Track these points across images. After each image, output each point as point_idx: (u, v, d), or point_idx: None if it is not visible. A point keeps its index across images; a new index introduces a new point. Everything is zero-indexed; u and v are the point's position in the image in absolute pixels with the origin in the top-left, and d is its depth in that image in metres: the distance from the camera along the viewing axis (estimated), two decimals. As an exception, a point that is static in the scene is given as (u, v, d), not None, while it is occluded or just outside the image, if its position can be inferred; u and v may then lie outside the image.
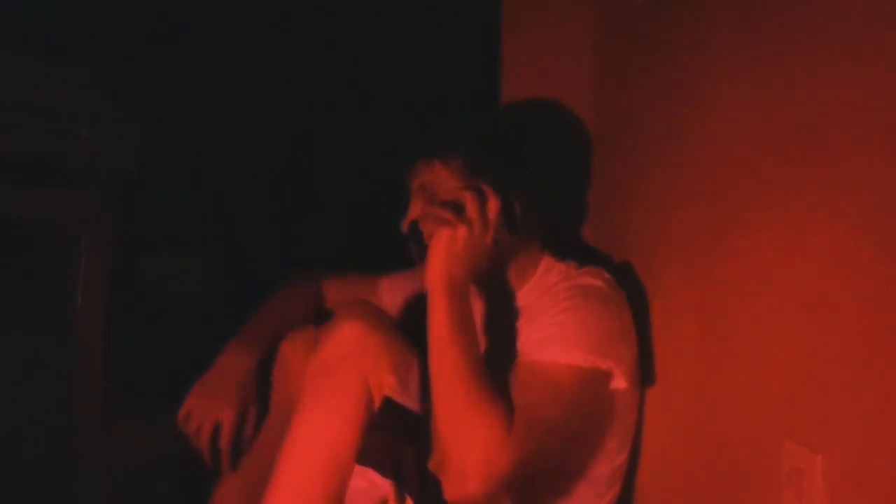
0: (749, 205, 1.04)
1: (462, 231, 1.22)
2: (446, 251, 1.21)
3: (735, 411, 1.08)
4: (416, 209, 1.32)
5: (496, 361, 1.21)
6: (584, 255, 1.43)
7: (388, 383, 1.26)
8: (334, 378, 1.25)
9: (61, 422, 1.72)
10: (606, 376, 1.22)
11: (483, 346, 1.28)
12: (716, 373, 1.15)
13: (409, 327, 1.31)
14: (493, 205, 1.24)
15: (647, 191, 1.41)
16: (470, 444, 1.09)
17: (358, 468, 1.24)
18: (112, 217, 1.72)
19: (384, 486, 1.22)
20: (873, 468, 0.81)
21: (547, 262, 1.37)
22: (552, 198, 1.50)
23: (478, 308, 1.36)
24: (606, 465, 1.31)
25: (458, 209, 1.24)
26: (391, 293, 1.56)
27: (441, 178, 1.30)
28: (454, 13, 2.06)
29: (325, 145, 2.28)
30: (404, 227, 1.33)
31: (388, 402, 1.26)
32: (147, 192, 1.86)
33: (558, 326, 1.21)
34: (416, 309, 1.27)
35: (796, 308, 0.94)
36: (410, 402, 1.25)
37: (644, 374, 1.33)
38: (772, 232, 0.99)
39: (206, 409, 1.37)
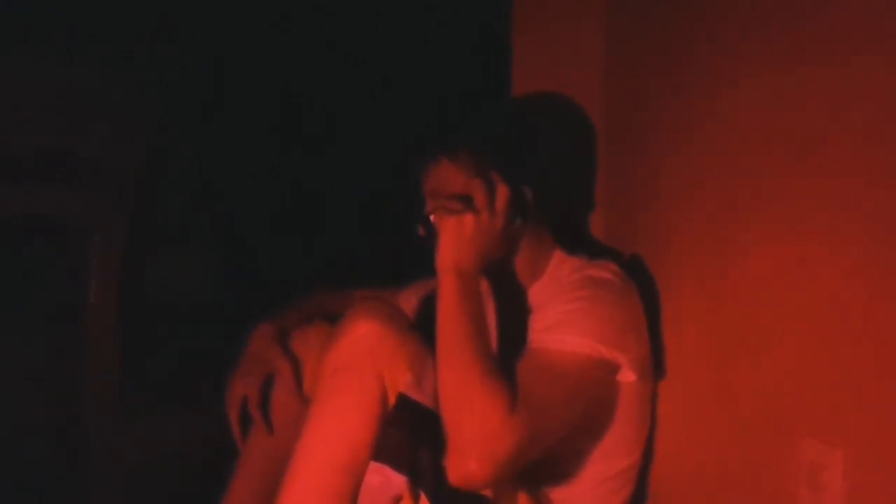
0: (764, 205, 1.05)
1: (469, 218, 1.22)
2: (454, 238, 1.22)
3: (752, 408, 1.09)
4: (428, 207, 1.34)
5: (509, 355, 1.20)
6: (595, 250, 1.43)
7: (403, 380, 1.25)
8: (350, 375, 1.25)
9: (73, 418, 1.73)
10: (613, 367, 1.23)
11: (498, 342, 1.28)
12: (731, 370, 1.15)
13: (424, 326, 1.31)
14: (502, 192, 1.25)
15: (659, 191, 1.41)
16: (471, 422, 1.08)
17: (373, 465, 1.24)
18: (124, 215, 1.73)
19: (399, 482, 1.22)
20: (894, 463, 0.82)
21: (559, 256, 1.38)
22: (563, 193, 1.51)
23: (493, 305, 1.37)
24: (619, 463, 1.31)
25: (466, 200, 1.26)
26: (408, 296, 1.57)
27: (450, 175, 1.31)
28: (466, 13, 2.07)
29: (328, 145, 2.29)
30: (420, 227, 1.33)
31: (404, 399, 1.25)
32: (155, 191, 1.88)
33: (565, 315, 1.21)
34: (431, 308, 1.27)
35: (813, 305, 0.94)
36: (426, 398, 1.24)
37: (656, 369, 1.33)
38: (787, 230, 0.99)
39: (233, 386, 1.43)
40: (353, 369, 1.25)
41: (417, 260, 1.33)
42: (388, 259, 1.56)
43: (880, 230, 0.82)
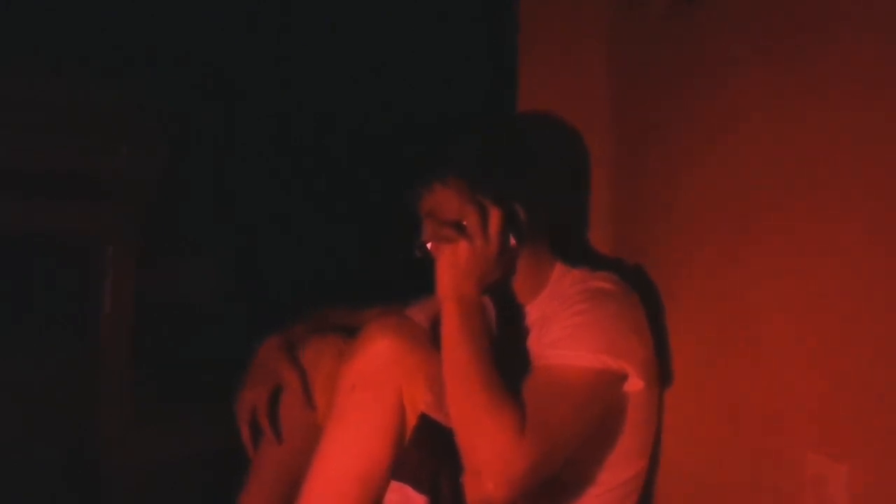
0: (773, 221, 1.07)
1: (463, 246, 1.25)
2: (450, 267, 1.25)
3: (757, 420, 1.10)
4: (426, 234, 1.35)
5: (516, 371, 1.22)
6: (598, 263, 1.45)
7: (423, 399, 1.27)
8: (369, 392, 1.27)
9: (87, 427, 1.75)
10: (620, 377, 1.24)
11: (503, 361, 1.30)
12: (737, 382, 1.16)
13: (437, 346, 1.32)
14: (494, 216, 1.27)
15: (670, 207, 1.42)
16: (484, 446, 1.11)
17: (393, 484, 1.26)
18: (139, 229, 1.75)
19: (419, 501, 1.24)
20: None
21: (560, 269, 1.39)
22: (561, 209, 1.52)
23: (495, 324, 1.38)
24: (624, 473, 1.32)
25: (460, 226, 1.28)
26: (414, 314, 1.57)
27: (443, 199, 1.33)
28: (471, 32, 2.09)
29: (340, 158, 2.30)
30: (417, 251, 1.35)
31: (424, 419, 1.27)
32: (170, 201, 1.90)
33: (570, 329, 1.23)
34: (438, 328, 1.29)
35: (820, 319, 0.96)
36: (446, 418, 1.25)
37: (661, 378, 1.35)
38: (796, 247, 1.01)
39: (243, 396, 1.45)
40: (371, 386, 1.27)
41: (423, 275, 1.35)
42: (395, 274, 1.58)
43: (887, 248, 0.84)
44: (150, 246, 1.89)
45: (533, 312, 1.37)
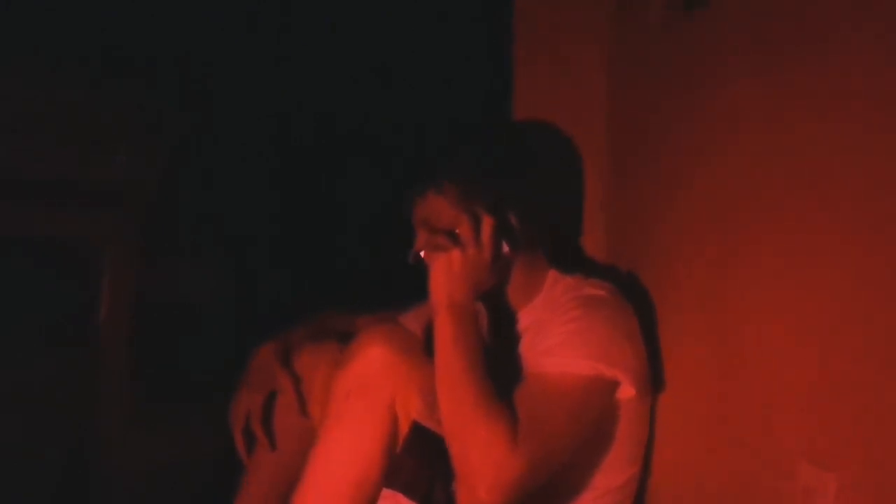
0: (769, 227, 1.07)
1: (456, 254, 1.26)
2: (444, 275, 1.26)
3: (748, 429, 1.10)
4: (419, 242, 1.36)
5: (508, 378, 1.23)
6: (592, 269, 1.45)
7: (415, 406, 1.28)
8: (363, 399, 1.28)
9: (85, 431, 1.76)
10: (613, 384, 1.25)
11: (495, 364, 1.30)
12: (729, 391, 1.16)
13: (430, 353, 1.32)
14: (487, 224, 1.28)
15: (666, 213, 1.42)
16: (476, 454, 1.12)
17: (385, 491, 1.27)
18: (139, 230, 1.76)
19: (411, 509, 1.25)
20: (887, 487, 0.83)
21: (553, 275, 1.40)
22: (555, 216, 1.52)
23: (488, 330, 1.39)
24: (616, 478, 1.33)
25: (453, 235, 1.29)
26: (408, 321, 1.57)
27: (437, 207, 1.33)
28: (467, 36, 2.09)
29: (334, 165, 2.31)
30: (411, 260, 1.36)
31: (417, 427, 1.28)
32: (167, 205, 1.90)
33: (563, 337, 1.24)
34: (431, 335, 1.29)
35: (813, 328, 0.96)
36: (438, 426, 1.26)
37: (654, 384, 1.35)
38: (791, 253, 1.01)
39: (237, 401, 1.46)
40: (365, 393, 1.28)
41: (417, 279, 1.36)
42: (391, 279, 1.58)
43: (887, 250, 0.84)
44: (150, 246, 1.90)
45: (525, 319, 1.37)
